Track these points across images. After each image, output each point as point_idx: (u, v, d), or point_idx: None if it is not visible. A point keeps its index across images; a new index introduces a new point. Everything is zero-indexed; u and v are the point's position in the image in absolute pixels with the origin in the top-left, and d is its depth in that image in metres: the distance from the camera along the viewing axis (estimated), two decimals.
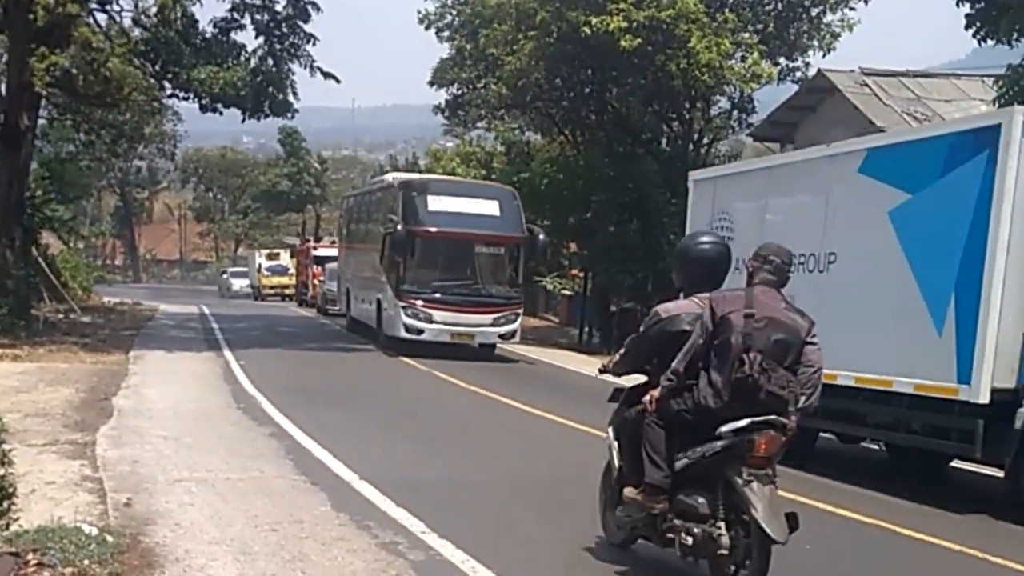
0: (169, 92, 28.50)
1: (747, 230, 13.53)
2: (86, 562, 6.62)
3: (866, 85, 25.93)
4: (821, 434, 13.23)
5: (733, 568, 6.58)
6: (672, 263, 7.80)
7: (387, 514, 8.75)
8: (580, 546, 8.32)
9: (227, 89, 25.29)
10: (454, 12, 37.18)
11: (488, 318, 24.11)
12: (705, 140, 33.89)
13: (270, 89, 26.65)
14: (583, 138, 35.87)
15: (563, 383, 21.69)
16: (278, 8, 26.68)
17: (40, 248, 32.88)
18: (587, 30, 27.74)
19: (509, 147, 40.13)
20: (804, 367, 6.71)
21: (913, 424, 11.43)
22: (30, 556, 6.57)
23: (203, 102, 26.32)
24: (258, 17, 26.67)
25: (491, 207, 24.71)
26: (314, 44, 26.90)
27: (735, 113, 33.67)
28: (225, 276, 68.42)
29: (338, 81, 27.69)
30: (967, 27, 17.00)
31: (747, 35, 31.22)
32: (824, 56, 32.99)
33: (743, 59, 30.63)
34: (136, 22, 26.12)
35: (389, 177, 30.84)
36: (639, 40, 27.58)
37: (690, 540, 6.71)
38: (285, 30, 26.76)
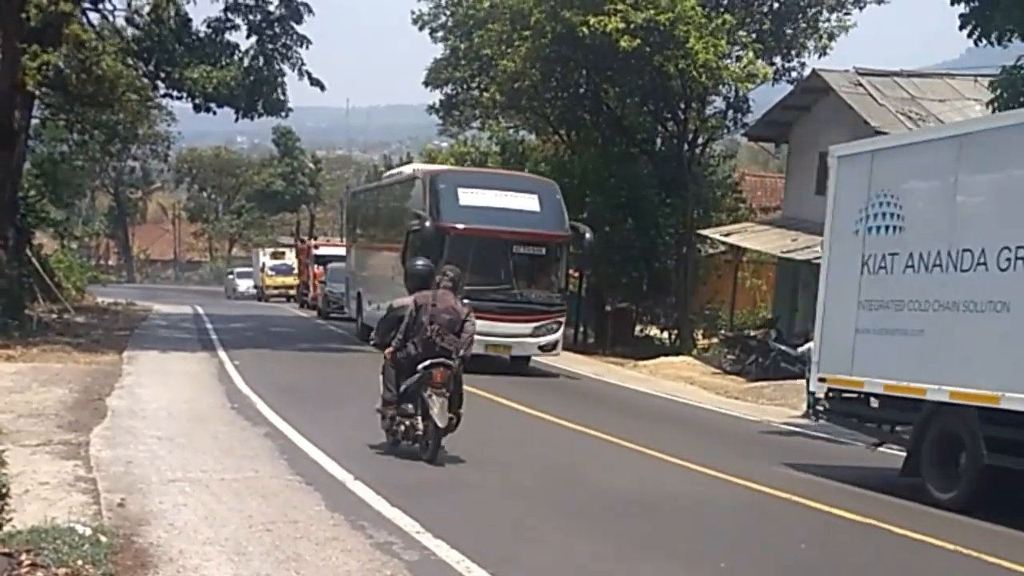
0: (163, 91, 28.45)
1: (925, 216, 11.52)
2: (80, 563, 6.60)
3: (860, 85, 25.98)
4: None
5: (425, 443, 11.26)
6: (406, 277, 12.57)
7: (381, 514, 8.75)
8: (575, 546, 8.33)
9: (221, 88, 25.20)
10: (448, 13, 37.16)
11: (527, 327, 21.59)
12: (700, 140, 33.89)
13: (263, 88, 26.61)
14: (578, 138, 35.86)
15: (566, 387, 21.71)
16: (271, 8, 26.64)
17: (34, 248, 32.80)
18: (585, 30, 27.73)
19: (504, 147, 40.10)
20: (464, 334, 11.48)
21: None
22: (24, 557, 6.57)
23: (196, 101, 26.26)
24: (251, 17, 26.63)
25: (530, 201, 22.30)
26: (306, 47, 26.85)
27: (730, 113, 33.67)
28: (231, 276, 66.55)
29: (323, 88, 27.58)
30: (961, 27, 17.01)
31: (743, 34, 31.25)
32: (820, 57, 33.04)
33: (739, 59, 30.65)
34: (129, 21, 26.05)
35: (409, 169, 28.43)
36: (638, 41, 27.58)
37: (402, 428, 11.41)
38: (277, 30, 26.71)
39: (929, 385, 10.92)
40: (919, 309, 11.28)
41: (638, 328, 34.43)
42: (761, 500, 10.64)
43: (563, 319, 22.49)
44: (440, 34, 37.52)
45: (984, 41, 17.01)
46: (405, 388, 11.35)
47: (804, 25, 32.72)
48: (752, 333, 26.57)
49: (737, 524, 9.65)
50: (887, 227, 11.78)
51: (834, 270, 12.87)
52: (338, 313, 35.15)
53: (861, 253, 12.14)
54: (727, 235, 30.00)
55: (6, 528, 6.86)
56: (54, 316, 28.62)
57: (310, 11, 26.82)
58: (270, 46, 26.61)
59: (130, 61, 26.57)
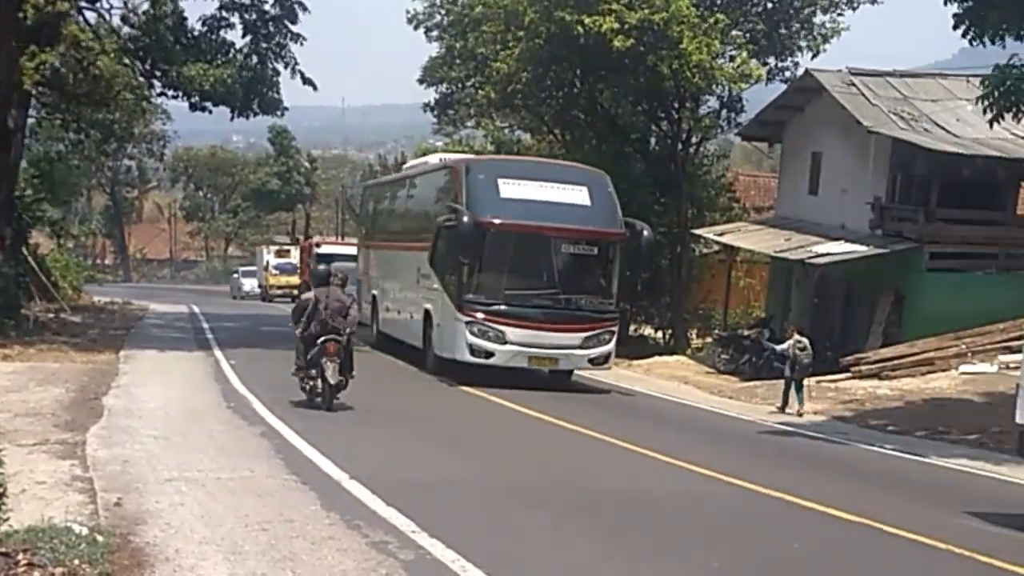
0: (159, 90, 28.44)
1: None
2: (76, 562, 6.65)
3: (853, 85, 26.02)
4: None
5: (323, 399, 14.72)
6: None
7: (377, 513, 8.80)
8: (570, 545, 8.39)
9: (217, 87, 25.16)
10: (443, 12, 37.17)
11: (576, 337, 19.24)
12: (694, 140, 33.91)
13: (259, 87, 26.62)
14: (572, 138, 35.85)
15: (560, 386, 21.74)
16: (267, 7, 26.66)
17: (30, 247, 32.80)
18: (579, 30, 27.76)
19: (499, 146, 40.07)
20: (349, 317, 15.22)
21: None
22: (20, 556, 6.60)
23: (192, 100, 26.27)
24: (246, 15, 26.65)
25: (580, 194, 19.92)
26: (301, 44, 26.88)
27: (724, 113, 33.68)
28: (236, 276, 64.43)
29: (315, 88, 27.56)
30: (955, 26, 17.03)
31: (737, 34, 31.31)
32: (813, 57, 33.09)
33: (732, 59, 30.70)
34: (125, 20, 26.06)
35: (435, 158, 25.59)
36: (632, 41, 27.61)
37: (308, 387, 15.07)
38: (272, 29, 26.72)
39: None
40: None
41: (632, 328, 34.45)
42: (754, 499, 10.71)
43: (616, 328, 20.32)
44: (435, 33, 37.52)
45: (978, 41, 17.03)
46: (310, 357, 14.90)
47: (797, 26, 32.78)
48: (746, 332, 26.65)
49: (729, 523, 9.72)
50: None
51: None
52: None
53: None
54: (721, 235, 30.04)
55: (3, 527, 6.90)
56: (51, 315, 28.61)
57: (305, 9, 26.86)
58: (264, 45, 26.63)
59: (126, 60, 26.56)
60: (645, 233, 20.34)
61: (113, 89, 26.56)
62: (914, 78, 27.68)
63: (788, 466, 13.28)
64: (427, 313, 20.98)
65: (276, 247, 60.02)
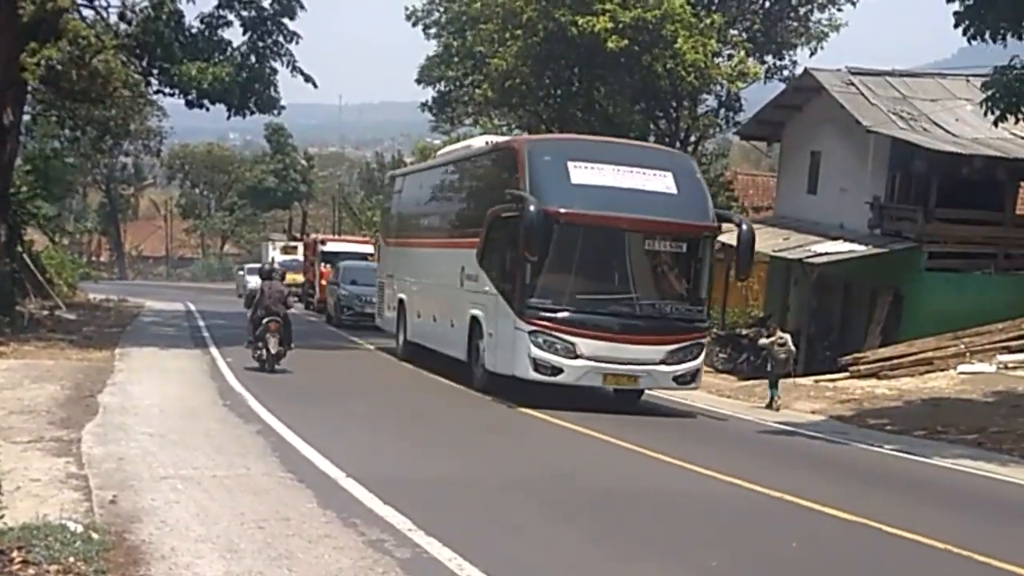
0: (156, 87, 28.39)
1: None
2: (71, 560, 6.60)
3: (852, 84, 25.99)
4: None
5: (271, 364, 18.81)
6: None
7: (373, 511, 8.75)
8: (567, 544, 8.34)
9: (215, 85, 25.10)
10: (441, 9, 37.17)
11: (659, 351, 16.40)
12: (692, 138, 33.92)
13: (256, 85, 26.55)
14: None
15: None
16: (265, 4, 26.58)
17: (25, 244, 32.72)
18: (574, 30, 27.75)
19: None
20: (285, 302, 19.57)
21: None
22: (15, 554, 6.57)
23: (189, 98, 26.20)
24: (244, 13, 26.58)
25: (664, 181, 16.94)
26: (297, 43, 26.79)
27: (722, 112, 33.71)
28: (242, 273, 60.98)
29: (315, 85, 27.49)
30: (956, 25, 16.99)
31: (734, 33, 31.29)
32: (811, 55, 33.11)
33: (730, 58, 30.69)
34: (122, 17, 25.99)
35: (480, 141, 22.16)
36: (626, 41, 27.58)
37: (257, 355, 19.08)
38: (270, 27, 26.65)
39: None
40: None
41: None
42: (752, 498, 10.67)
43: (705, 340, 17.68)
44: (433, 31, 37.56)
45: (979, 39, 17.00)
46: (257, 333, 19.24)
47: (795, 24, 32.78)
48: (744, 332, 26.64)
49: (728, 523, 9.67)
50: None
51: None
52: (353, 320, 31.20)
53: None
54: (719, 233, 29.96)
55: None
56: (46, 313, 28.55)
57: (302, 7, 26.79)
58: (261, 43, 26.55)
59: (123, 57, 26.48)
60: (744, 227, 17.39)
61: (110, 86, 26.48)
62: (913, 78, 27.66)
63: (786, 465, 13.24)
64: (474, 320, 18.14)
65: (282, 243, 57.81)
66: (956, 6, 16.58)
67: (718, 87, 31.69)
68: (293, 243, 56.35)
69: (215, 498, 9.02)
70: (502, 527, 8.76)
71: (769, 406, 19.19)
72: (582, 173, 16.61)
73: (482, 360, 17.74)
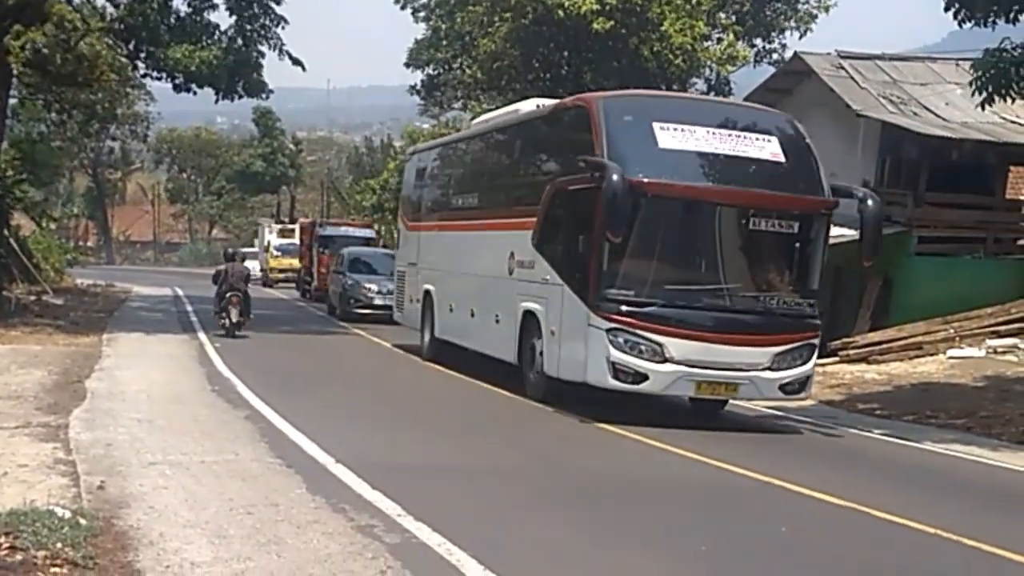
0: (143, 71, 28.27)
1: None
2: (59, 545, 6.57)
3: (842, 68, 25.93)
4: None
5: (230, 330, 22.52)
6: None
7: (362, 497, 8.71)
8: (557, 529, 8.32)
9: (202, 68, 25.02)
10: None
11: (764, 353, 13.69)
12: None
13: (244, 70, 26.45)
14: None
15: None
16: None
17: (12, 229, 32.60)
18: (560, 12, 27.68)
19: None
20: (246, 280, 23.60)
21: None
22: (2, 539, 6.55)
23: (177, 81, 26.12)
24: None
25: (768, 147, 14.11)
26: (284, 26, 26.68)
27: (711, 95, 33.63)
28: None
29: (304, 68, 27.48)
30: (946, 8, 16.96)
31: (723, 16, 31.24)
32: (800, 38, 33.08)
33: (719, 41, 30.65)
34: (110, 0, 25.87)
35: (528, 105, 18.78)
36: (612, 23, 27.51)
37: (222, 323, 22.77)
38: (257, 10, 26.52)
39: None
40: None
41: None
42: (740, 483, 10.66)
43: (817, 341, 14.46)
44: (422, 14, 37.43)
45: (969, 22, 16.97)
46: (222, 305, 22.75)
47: (783, 6, 32.75)
48: None
49: (717, 508, 9.66)
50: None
51: None
52: (362, 313, 28.44)
53: None
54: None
55: None
56: (32, 298, 28.46)
57: None
58: (248, 27, 26.43)
59: (110, 40, 26.35)
60: (870, 203, 14.36)
61: (97, 70, 26.39)
62: (903, 61, 27.62)
63: (774, 450, 13.24)
64: (527, 316, 15.34)
65: (279, 225, 55.38)
66: None
67: (707, 71, 31.63)
68: (291, 226, 53.78)
69: (203, 484, 8.98)
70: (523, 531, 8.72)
71: None
72: (671, 137, 13.73)
73: (539, 364, 14.95)
